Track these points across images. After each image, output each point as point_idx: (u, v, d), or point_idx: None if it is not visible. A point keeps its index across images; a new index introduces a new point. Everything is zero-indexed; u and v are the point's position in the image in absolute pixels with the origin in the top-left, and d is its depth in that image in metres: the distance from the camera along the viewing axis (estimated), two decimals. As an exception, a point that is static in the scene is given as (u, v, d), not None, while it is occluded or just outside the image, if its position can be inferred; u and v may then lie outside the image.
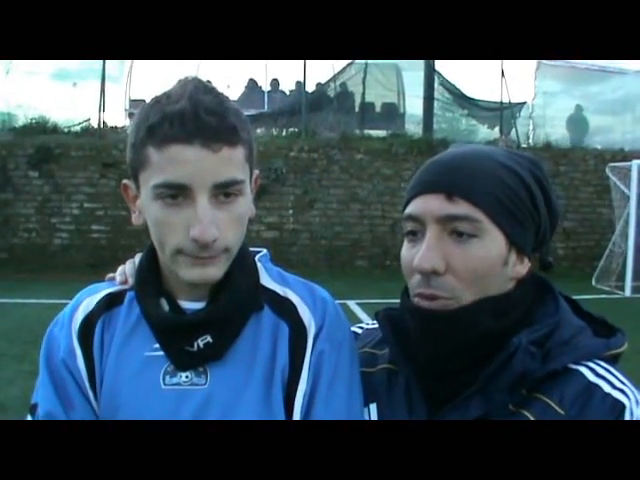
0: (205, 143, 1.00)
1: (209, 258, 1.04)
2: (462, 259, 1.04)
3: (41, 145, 11.62)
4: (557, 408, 1.00)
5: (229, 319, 1.10)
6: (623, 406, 0.98)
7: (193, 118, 0.99)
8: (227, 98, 1.06)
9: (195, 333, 1.08)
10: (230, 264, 1.10)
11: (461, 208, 1.04)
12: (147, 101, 1.07)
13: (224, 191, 1.03)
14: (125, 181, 1.13)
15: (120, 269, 1.22)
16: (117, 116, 14.33)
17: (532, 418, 1.01)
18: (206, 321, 1.09)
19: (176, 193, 1.02)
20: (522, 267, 1.10)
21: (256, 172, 1.15)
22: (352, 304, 8.10)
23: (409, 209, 1.10)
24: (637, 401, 1.00)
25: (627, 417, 0.97)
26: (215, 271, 1.06)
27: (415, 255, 1.07)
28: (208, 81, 1.08)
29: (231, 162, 1.03)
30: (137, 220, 1.12)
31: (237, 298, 1.11)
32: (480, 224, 1.04)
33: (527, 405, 1.02)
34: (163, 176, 1.01)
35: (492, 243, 1.05)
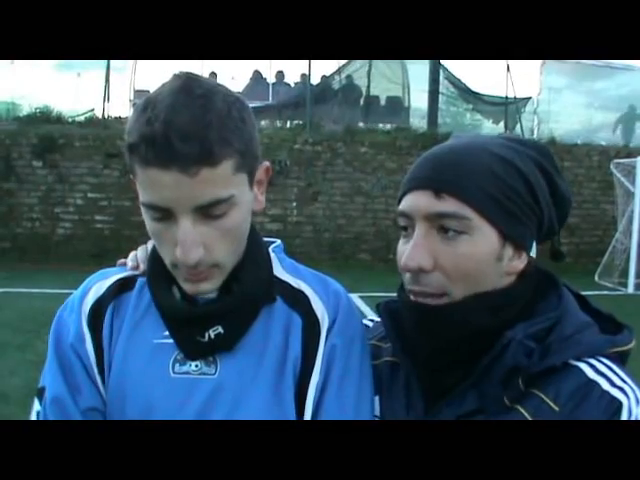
0: (181, 169, 0.95)
1: (199, 274, 1.03)
2: (450, 257, 1.03)
3: (45, 135, 11.62)
4: (551, 404, 0.99)
5: (241, 311, 1.09)
6: (620, 404, 0.96)
7: (166, 145, 0.94)
8: (213, 103, 0.99)
9: (207, 324, 1.07)
10: (243, 254, 1.10)
11: (448, 205, 1.02)
12: (152, 91, 1.03)
13: (207, 212, 0.99)
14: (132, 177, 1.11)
15: (132, 254, 1.21)
16: (121, 106, 14.34)
17: (526, 414, 0.99)
18: (218, 312, 1.08)
19: (160, 215, 1.00)
20: (519, 262, 1.08)
21: (266, 164, 1.11)
22: (355, 297, 8.05)
23: (401, 205, 1.10)
24: (637, 400, 0.97)
25: (624, 416, 0.95)
26: (208, 286, 1.06)
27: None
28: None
29: (213, 182, 0.98)
30: None
31: (250, 290, 1.10)
32: (469, 221, 1.02)
33: (522, 400, 1.01)
34: (147, 196, 1.00)
35: (482, 240, 1.03)
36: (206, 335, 1.07)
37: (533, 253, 1.13)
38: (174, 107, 0.96)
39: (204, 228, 1.00)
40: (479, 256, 1.03)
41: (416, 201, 1.06)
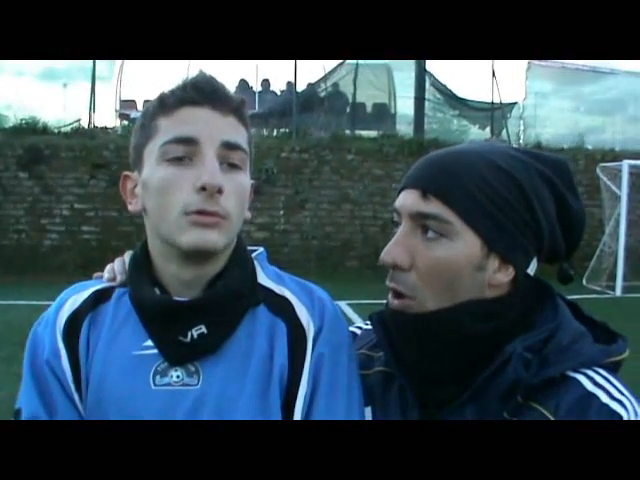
0: (215, 107, 1.05)
1: (211, 217, 1.01)
2: (426, 258, 1.03)
3: (31, 146, 11.56)
4: (552, 418, 0.97)
5: (224, 308, 1.07)
6: (620, 418, 0.95)
7: (206, 83, 1.06)
8: None
9: (189, 320, 1.04)
10: (227, 258, 1.09)
11: (432, 207, 1.03)
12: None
13: (230, 155, 1.05)
14: (126, 172, 1.12)
15: (109, 266, 1.19)
16: (107, 117, 14.27)
17: None
18: (201, 308, 1.05)
19: (183, 152, 1.02)
20: (504, 275, 1.06)
21: (251, 181, 1.12)
22: (343, 305, 8.07)
23: (395, 202, 1.11)
24: (636, 412, 0.96)
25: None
26: (215, 236, 1.02)
27: None
28: None
29: (238, 131, 1.08)
30: (135, 206, 1.10)
31: (233, 287, 1.08)
32: (450, 225, 1.02)
33: (522, 414, 0.99)
34: (172, 133, 1.03)
35: (462, 246, 1.02)
36: (189, 335, 1.04)
37: (532, 271, 1.10)
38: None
39: (222, 175, 1.03)
40: (455, 262, 1.03)
41: (405, 199, 1.07)
